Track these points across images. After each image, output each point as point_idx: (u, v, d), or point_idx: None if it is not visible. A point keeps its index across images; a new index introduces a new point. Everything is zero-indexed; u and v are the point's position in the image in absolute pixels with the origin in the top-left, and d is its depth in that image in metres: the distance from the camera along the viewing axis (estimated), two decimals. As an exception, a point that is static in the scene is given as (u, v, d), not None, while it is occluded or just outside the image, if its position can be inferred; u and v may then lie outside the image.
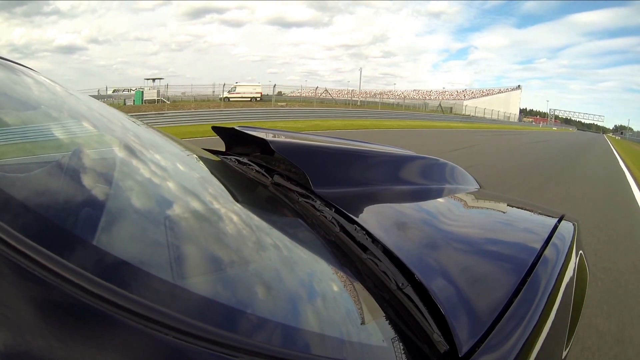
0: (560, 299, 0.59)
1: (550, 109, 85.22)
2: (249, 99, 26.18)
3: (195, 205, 0.60)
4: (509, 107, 63.93)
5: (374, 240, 0.61)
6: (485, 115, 47.22)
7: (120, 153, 0.63)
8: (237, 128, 1.07)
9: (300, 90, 41.45)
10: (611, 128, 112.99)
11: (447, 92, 68.83)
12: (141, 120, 0.97)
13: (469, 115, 43.00)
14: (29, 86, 0.72)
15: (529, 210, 1.02)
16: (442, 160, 1.22)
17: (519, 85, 72.17)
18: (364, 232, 0.63)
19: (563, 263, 0.65)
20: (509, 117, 58.89)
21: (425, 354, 0.43)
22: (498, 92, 67.31)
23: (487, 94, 66.43)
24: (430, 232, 0.75)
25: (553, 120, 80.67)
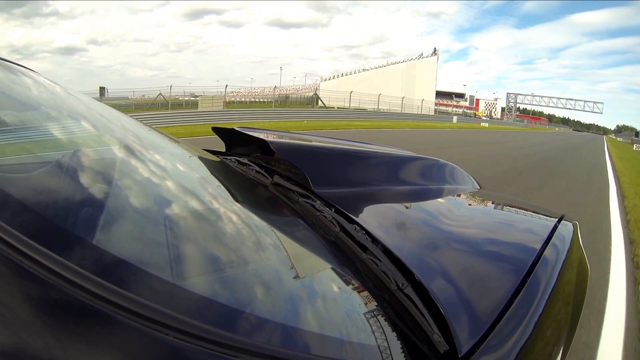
0: (560, 299, 0.59)
1: (509, 95, 64.43)
2: None
3: (196, 205, 0.60)
4: (413, 88, 38.86)
5: (374, 240, 0.61)
6: (346, 105, 28.34)
7: (120, 153, 0.63)
8: (237, 129, 1.07)
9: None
10: (613, 129, 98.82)
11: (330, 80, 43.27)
12: (141, 121, 0.97)
13: (312, 106, 26.89)
14: (29, 87, 0.73)
15: (529, 211, 1.02)
16: (441, 160, 1.22)
17: (434, 50, 45.04)
18: (364, 232, 0.63)
19: (563, 263, 0.65)
20: (404, 104, 32.89)
21: (425, 354, 0.43)
22: (389, 64, 41.34)
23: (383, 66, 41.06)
24: (430, 232, 0.75)
25: (514, 114, 64.13)
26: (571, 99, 66.78)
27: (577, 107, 67.13)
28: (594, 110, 64.86)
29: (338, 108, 27.91)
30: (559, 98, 66.96)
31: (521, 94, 68.70)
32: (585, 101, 65.80)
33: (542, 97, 68.15)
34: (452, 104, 67.89)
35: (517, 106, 68.51)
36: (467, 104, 69.70)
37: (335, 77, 40.48)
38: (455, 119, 35.64)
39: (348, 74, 40.77)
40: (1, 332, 0.24)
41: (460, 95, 70.37)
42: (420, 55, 45.00)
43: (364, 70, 41.44)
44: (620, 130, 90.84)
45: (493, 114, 68.36)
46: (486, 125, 34.83)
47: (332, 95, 29.99)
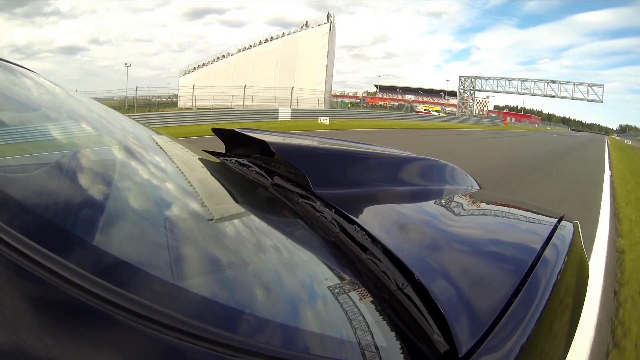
0: (560, 299, 0.59)
1: (463, 79, 50.17)
2: None
3: (196, 206, 0.60)
4: (293, 74, 27.10)
5: (374, 240, 0.61)
6: (223, 104, 22.38)
7: (119, 154, 0.63)
8: (237, 130, 1.07)
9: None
10: (615, 129, 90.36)
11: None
12: (141, 122, 0.97)
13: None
14: (29, 88, 0.73)
15: (529, 211, 1.02)
16: (441, 161, 1.23)
17: (328, 16, 29.79)
18: (364, 233, 0.63)
19: (563, 263, 0.65)
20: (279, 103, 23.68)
21: (425, 354, 0.43)
22: (260, 43, 28.52)
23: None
24: (430, 232, 0.75)
25: (469, 107, 50.00)
26: (553, 81, 46.02)
27: (562, 94, 45.98)
28: (589, 98, 44.29)
29: (198, 109, 21.87)
30: (535, 81, 46.94)
31: (482, 78, 49.95)
32: (576, 84, 44.76)
33: (510, 80, 48.18)
34: (442, 102, 65.91)
35: (473, 94, 52.17)
36: (457, 101, 67.40)
37: (196, 68, 29.40)
38: (322, 120, 19.97)
39: (209, 62, 29.19)
40: (1, 333, 0.24)
41: (452, 94, 68.53)
42: (305, 25, 27.90)
43: (228, 54, 28.49)
44: (624, 130, 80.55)
45: (482, 111, 63.11)
46: (326, 122, 19.90)
47: (196, 92, 22.82)
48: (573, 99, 45.88)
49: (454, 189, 1.12)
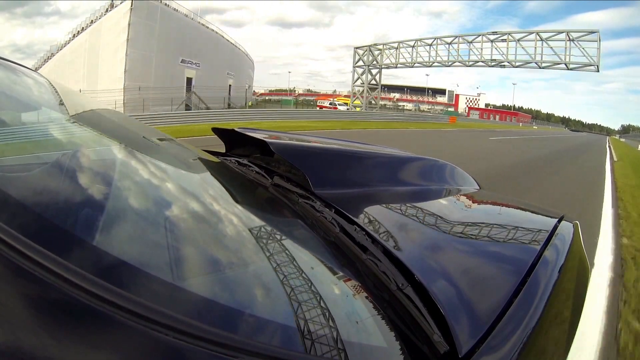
0: (560, 299, 0.59)
1: (361, 52, 29.13)
2: None
3: (195, 206, 0.60)
4: (97, 69, 19.90)
5: (374, 240, 0.61)
6: None
7: (120, 154, 0.63)
8: (237, 129, 1.07)
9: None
10: (617, 129, 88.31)
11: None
12: (141, 121, 0.97)
13: None
14: (29, 86, 0.73)
15: (529, 211, 1.02)
16: (441, 161, 1.23)
17: None
18: (364, 233, 0.63)
19: (563, 264, 0.65)
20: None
21: (425, 354, 0.43)
22: (75, 36, 21.28)
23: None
24: (430, 232, 0.75)
25: (365, 95, 28.49)
26: (503, 38, 23.38)
27: (520, 57, 23.04)
28: (572, 61, 21.26)
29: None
30: (470, 41, 25.15)
31: (389, 45, 29.26)
32: (542, 35, 22.00)
33: (429, 44, 26.73)
34: (430, 100, 64.32)
35: (380, 74, 30.35)
36: (445, 100, 65.47)
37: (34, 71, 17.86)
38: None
39: (39, 65, 23.30)
40: (1, 332, 0.24)
41: (441, 92, 66.67)
42: (110, 7, 20.64)
43: (52, 55, 23.13)
44: (627, 130, 73.97)
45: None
46: None
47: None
48: (541, 67, 23.03)
49: (454, 189, 1.12)
